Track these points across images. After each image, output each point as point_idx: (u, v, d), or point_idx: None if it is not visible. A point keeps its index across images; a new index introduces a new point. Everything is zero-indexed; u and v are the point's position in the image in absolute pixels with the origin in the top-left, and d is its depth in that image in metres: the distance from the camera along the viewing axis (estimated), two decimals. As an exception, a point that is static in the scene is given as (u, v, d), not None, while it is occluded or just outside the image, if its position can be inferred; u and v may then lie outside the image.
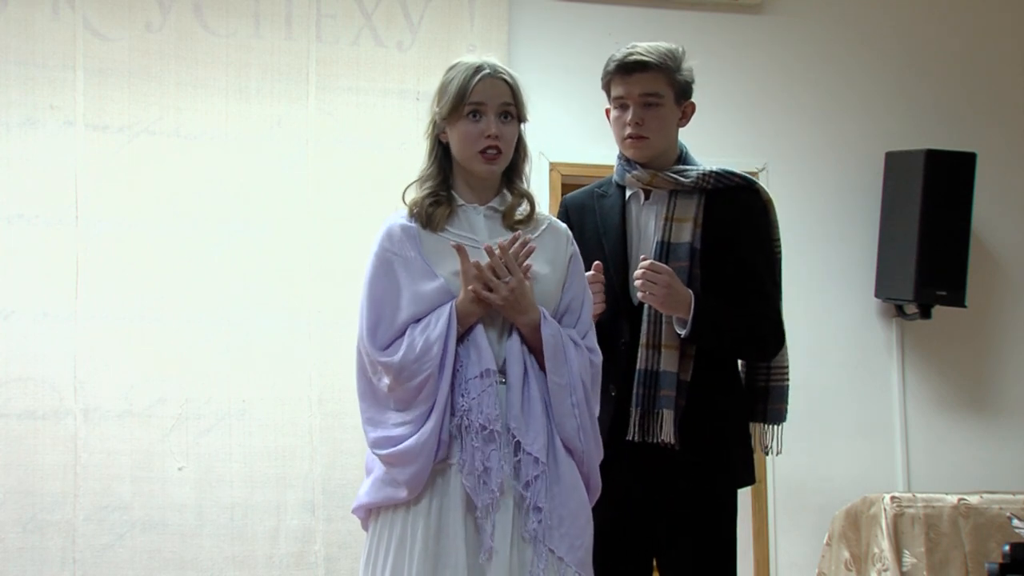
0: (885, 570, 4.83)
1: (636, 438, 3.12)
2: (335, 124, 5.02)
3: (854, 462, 5.45)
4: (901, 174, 5.47)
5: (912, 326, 5.57)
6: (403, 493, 2.73)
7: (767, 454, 3.33)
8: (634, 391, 3.13)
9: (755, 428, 3.33)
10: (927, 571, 4.81)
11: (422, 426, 2.71)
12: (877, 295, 5.54)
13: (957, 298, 5.40)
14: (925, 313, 5.46)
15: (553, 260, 2.90)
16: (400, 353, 2.74)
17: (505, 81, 2.86)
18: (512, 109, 2.86)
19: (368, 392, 2.82)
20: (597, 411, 2.89)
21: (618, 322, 3.19)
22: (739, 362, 3.33)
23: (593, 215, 3.29)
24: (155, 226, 4.83)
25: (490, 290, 2.76)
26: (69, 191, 4.77)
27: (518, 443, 2.73)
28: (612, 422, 3.13)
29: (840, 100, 5.64)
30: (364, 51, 5.08)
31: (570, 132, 5.25)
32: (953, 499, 4.94)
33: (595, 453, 2.86)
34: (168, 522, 4.70)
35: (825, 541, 5.19)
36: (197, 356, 4.80)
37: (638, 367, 3.13)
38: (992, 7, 5.86)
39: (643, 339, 3.14)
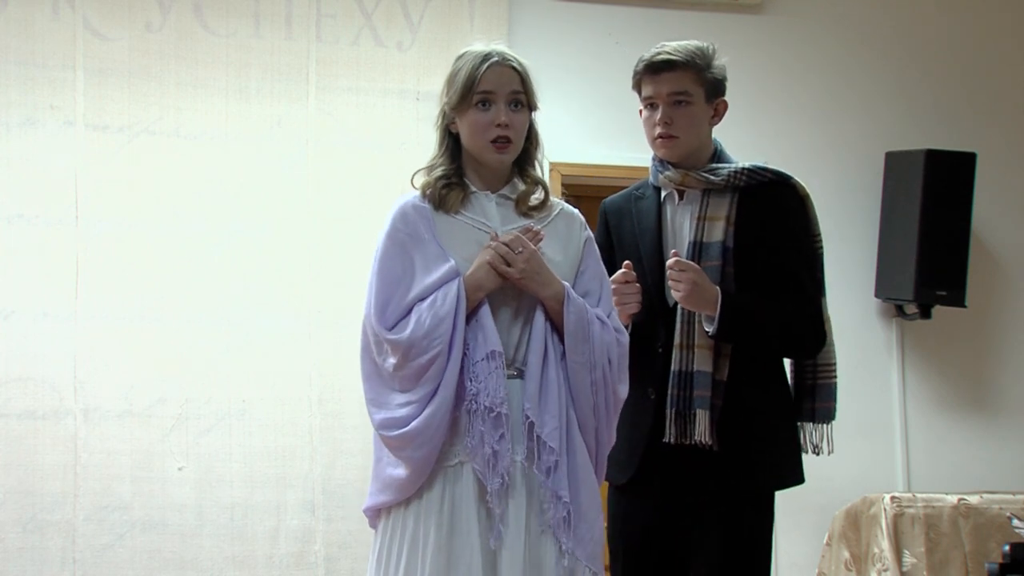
0: (885, 570, 4.83)
1: (673, 440, 3.09)
2: (335, 124, 5.02)
3: (854, 462, 5.44)
4: (901, 174, 5.46)
5: (912, 326, 5.57)
6: (404, 472, 2.70)
7: (817, 454, 3.27)
8: (669, 392, 3.10)
9: (803, 427, 3.28)
10: (927, 571, 4.81)
11: (427, 406, 2.69)
12: (877, 295, 5.54)
13: (957, 298, 5.39)
14: (925, 313, 5.46)
15: (566, 247, 2.88)
16: (408, 330, 2.72)
17: (514, 68, 2.83)
18: (522, 97, 2.83)
19: (373, 373, 2.80)
20: (624, 392, 2.86)
21: (654, 324, 3.17)
22: (785, 361, 3.28)
23: (630, 218, 3.26)
24: (155, 226, 4.83)
25: (509, 266, 2.74)
26: (69, 191, 4.77)
27: (531, 425, 2.71)
28: (651, 425, 3.11)
29: (840, 100, 5.64)
30: (364, 51, 5.08)
31: (570, 132, 5.24)
32: (953, 499, 4.94)
33: (608, 434, 2.84)
34: (168, 522, 4.70)
35: (825, 541, 5.19)
36: (197, 356, 4.80)
37: (672, 368, 3.11)
38: (992, 7, 5.86)
39: (677, 340, 3.11)
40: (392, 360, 2.74)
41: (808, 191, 3.27)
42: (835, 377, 3.29)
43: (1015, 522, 4.85)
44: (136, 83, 4.86)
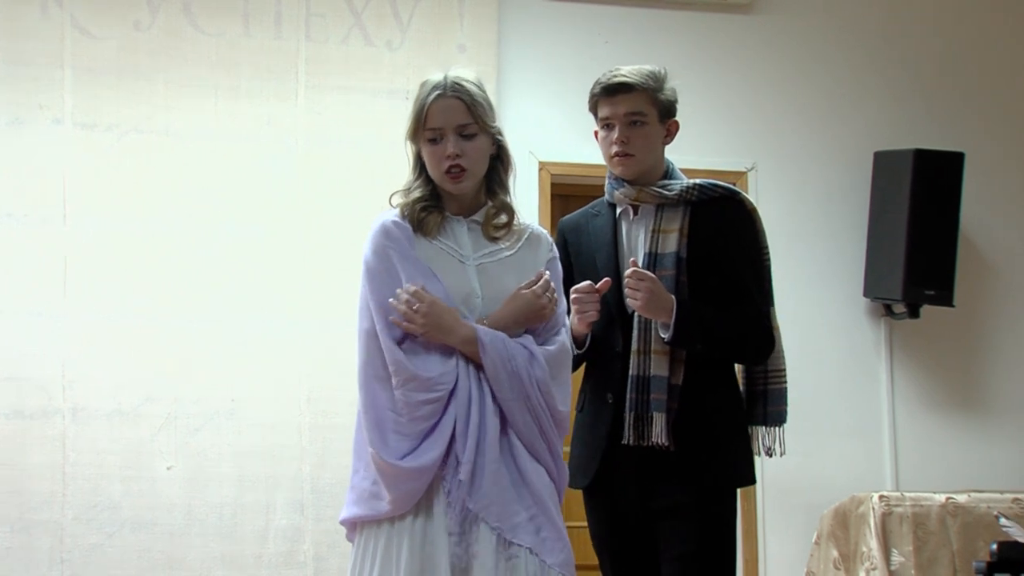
0: (873, 569, 4.84)
1: (631, 442, 3.21)
2: (325, 123, 5.02)
3: (843, 461, 5.46)
4: (889, 174, 5.47)
5: (900, 325, 5.58)
6: (386, 506, 2.74)
7: (770, 456, 3.41)
8: (627, 396, 3.22)
9: (755, 431, 3.42)
10: (915, 570, 4.82)
11: (420, 443, 2.74)
12: (866, 294, 5.55)
13: (945, 297, 5.40)
14: (913, 312, 5.47)
15: (530, 272, 2.93)
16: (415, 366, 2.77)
17: (460, 99, 2.87)
18: (471, 127, 2.87)
19: (371, 384, 2.82)
20: (565, 407, 2.91)
21: (612, 332, 3.29)
22: (736, 366, 3.40)
23: (587, 235, 3.39)
24: (144, 225, 4.82)
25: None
26: (57, 190, 4.76)
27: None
28: (610, 428, 3.24)
29: (829, 100, 5.65)
30: (354, 50, 5.08)
31: (560, 131, 5.24)
32: (941, 498, 4.95)
33: (559, 445, 2.90)
34: (157, 522, 4.70)
35: (814, 540, 5.20)
36: (186, 355, 4.79)
37: (630, 373, 3.24)
38: (981, 7, 5.87)
39: (634, 346, 3.24)
40: (395, 379, 2.78)
41: (755, 206, 3.40)
42: (785, 382, 3.42)
43: (1003, 521, 4.86)
44: (125, 82, 4.86)
